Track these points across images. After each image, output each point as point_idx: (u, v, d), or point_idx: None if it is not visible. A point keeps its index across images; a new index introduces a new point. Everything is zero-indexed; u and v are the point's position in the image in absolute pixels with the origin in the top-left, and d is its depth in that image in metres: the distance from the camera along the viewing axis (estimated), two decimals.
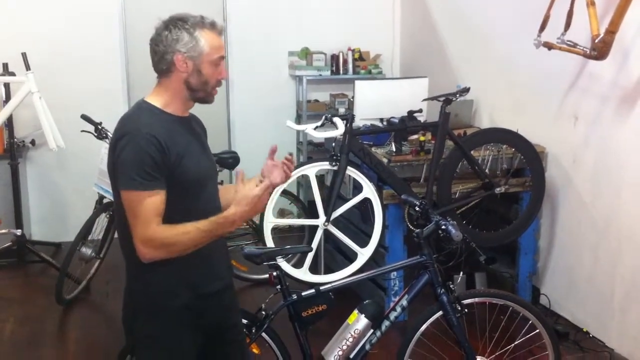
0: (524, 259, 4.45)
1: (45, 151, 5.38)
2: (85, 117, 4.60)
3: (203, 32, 2.10)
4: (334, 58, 6.21)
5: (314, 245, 3.87)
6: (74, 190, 5.83)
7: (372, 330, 2.91)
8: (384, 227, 4.05)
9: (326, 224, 3.87)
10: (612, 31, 3.46)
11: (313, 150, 6.15)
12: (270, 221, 3.93)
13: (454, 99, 4.17)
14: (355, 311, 2.92)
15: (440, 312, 2.92)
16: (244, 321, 2.69)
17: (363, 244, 3.98)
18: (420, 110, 4.38)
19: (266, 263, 2.74)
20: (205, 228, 2.04)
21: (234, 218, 2.09)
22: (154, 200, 2.01)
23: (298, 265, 4.02)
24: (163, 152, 2.03)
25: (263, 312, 2.83)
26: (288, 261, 4.15)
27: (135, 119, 2.09)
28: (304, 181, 5.88)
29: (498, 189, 4.18)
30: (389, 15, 6.50)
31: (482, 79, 5.09)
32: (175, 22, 2.10)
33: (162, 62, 2.11)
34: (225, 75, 2.21)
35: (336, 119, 3.89)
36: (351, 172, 3.96)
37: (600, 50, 3.53)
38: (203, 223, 2.05)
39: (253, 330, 2.80)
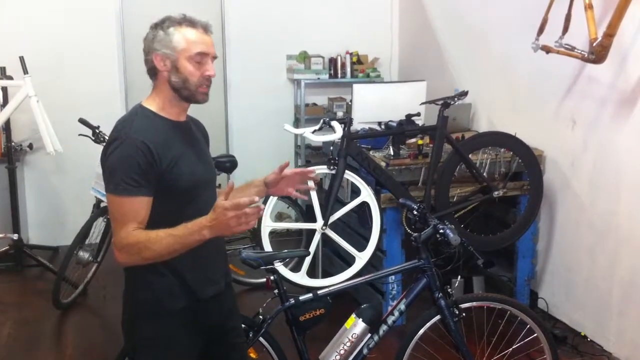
0: (522, 262, 4.45)
1: (43, 155, 5.38)
2: (82, 121, 4.59)
3: (180, 28, 2.08)
4: (332, 61, 6.22)
5: (312, 249, 3.86)
6: (72, 194, 5.82)
7: (369, 335, 2.90)
8: (382, 231, 4.05)
9: (324, 227, 3.86)
10: (610, 35, 3.46)
11: (311, 154, 6.15)
12: (268, 225, 3.93)
13: (452, 102, 4.16)
14: (353, 315, 2.91)
15: (438, 317, 2.91)
16: (242, 325, 2.68)
17: (361, 248, 3.97)
18: (419, 114, 4.38)
19: (264, 267, 2.73)
20: (176, 233, 1.98)
21: (202, 224, 1.96)
22: (135, 206, 2.01)
23: (296, 269, 4.01)
24: (152, 159, 2.02)
25: (260, 317, 2.83)
26: (286, 265, 4.14)
27: (129, 124, 2.07)
28: None
29: (496, 193, 4.17)
30: (387, 19, 6.50)
31: (480, 82, 5.09)
32: (156, 24, 2.12)
33: (147, 64, 2.13)
34: (212, 73, 2.13)
35: (334, 123, 3.88)
36: (349, 175, 3.96)
37: (598, 53, 3.53)
38: (176, 228, 1.99)
39: (250, 335, 2.79)
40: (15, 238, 5.16)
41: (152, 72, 2.13)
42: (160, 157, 2.04)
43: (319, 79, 6.17)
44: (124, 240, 2.01)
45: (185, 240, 1.99)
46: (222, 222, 1.93)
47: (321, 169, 3.95)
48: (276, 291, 2.79)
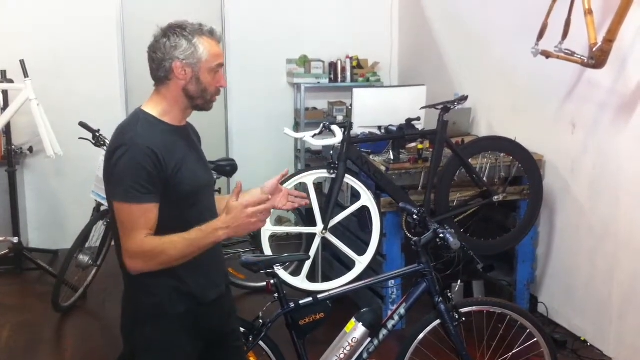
0: (522, 267, 4.45)
1: (43, 158, 5.38)
2: (83, 125, 4.59)
3: (202, 39, 2.09)
4: (332, 66, 6.22)
5: (312, 253, 3.86)
6: (72, 198, 5.82)
7: (369, 339, 2.90)
8: (382, 235, 4.05)
9: (324, 232, 3.86)
10: (609, 40, 3.47)
11: (311, 158, 6.16)
12: (268, 229, 3.93)
13: (452, 107, 4.17)
14: (353, 319, 2.91)
15: (438, 321, 2.91)
16: (241, 329, 2.68)
17: (361, 252, 3.97)
18: (418, 118, 4.39)
19: (264, 271, 2.73)
20: (190, 236, 2.01)
21: (217, 226, 2.02)
22: (145, 214, 2.01)
23: (296, 273, 4.01)
24: (159, 165, 2.02)
25: (260, 321, 2.82)
26: (286, 269, 4.14)
27: (133, 129, 2.06)
28: (301, 189, 5.87)
29: (496, 197, 4.18)
30: (387, 23, 6.51)
31: (480, 87, 5.09)
32: (174, 30, 2.09)
33: (161, 70, 2.10)
34: (225, 84, 2.19)
35: (334, 127, 3.89)
36: (349, 180, 3.96)
37: (598, 58, 3.54)
38: (189, 232, 2.02)
39: (250, 339, 2.79)
40: (15, 241, 5.15)
41: (165, 78, 2.11)
42: (166, 163, 2.04)
43: (319, 83, 6.17)
44: (138, 247, 2.00)
45: (200, 243, 2.03)
46: (241, 220, 2.00)
47: (321, 173, 3.96)
48: (276, 295, 2.78)
